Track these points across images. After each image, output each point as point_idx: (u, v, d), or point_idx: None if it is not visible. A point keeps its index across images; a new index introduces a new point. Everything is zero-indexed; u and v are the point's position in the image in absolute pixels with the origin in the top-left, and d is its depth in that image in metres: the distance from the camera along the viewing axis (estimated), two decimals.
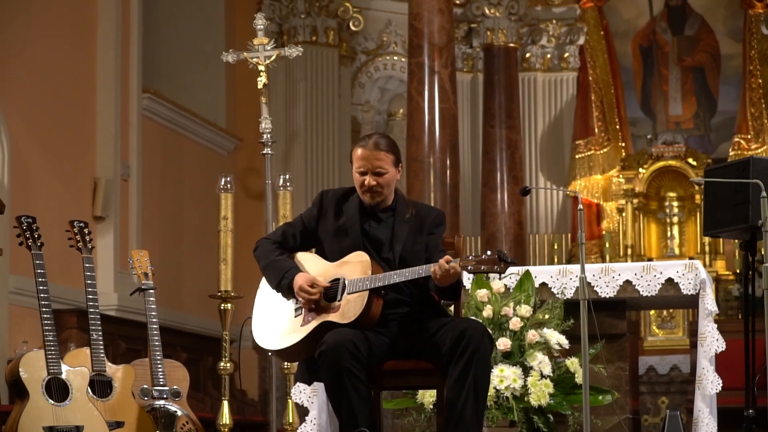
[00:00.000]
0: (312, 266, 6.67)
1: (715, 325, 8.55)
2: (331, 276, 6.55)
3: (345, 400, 6.34)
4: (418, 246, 6.63)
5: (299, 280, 6.52)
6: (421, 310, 6.60)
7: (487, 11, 16.57)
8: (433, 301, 6.63)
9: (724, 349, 8.50)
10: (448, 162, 14.50)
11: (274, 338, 6.62)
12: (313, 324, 6.47)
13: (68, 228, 7.67)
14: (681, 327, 15.10)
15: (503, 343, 7.89)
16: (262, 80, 10.57)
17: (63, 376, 7.02)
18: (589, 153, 16.34)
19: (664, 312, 15.04)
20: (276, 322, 6.63)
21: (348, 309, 6.42)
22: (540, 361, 7.94)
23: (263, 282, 6.75)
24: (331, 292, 6.50)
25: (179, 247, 14.37)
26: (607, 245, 15.99)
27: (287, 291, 6.59)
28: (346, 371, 6.27)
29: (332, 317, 6.44)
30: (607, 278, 8.82)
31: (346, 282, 6.46)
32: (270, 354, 7.42)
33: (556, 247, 16.37)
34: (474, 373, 6.34)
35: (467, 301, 8.06)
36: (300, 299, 6.52)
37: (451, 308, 7.08)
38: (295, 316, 6.56)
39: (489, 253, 6.22)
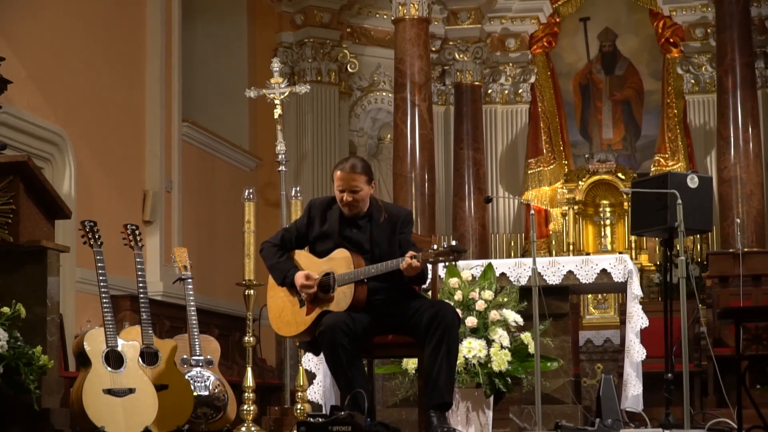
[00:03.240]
0: (305, 262, 6.69)
1: (640, 306, 8.57)
2: (322, 270, 6.57)
3: (341, 369, 6.35)
4: (392, 246, 6.62)
5: (299, 279, 6.54)
6: (397, 294, 6.60)
7: (457, 56, 16.56)
8: (407, 286, 6.63)
9: (647, 326, 8.53)
10: (426, 177, 14.49)
11: (288, 327, 6.65)
12: (315, 313, 6.49)
13: (123, 230, 7.66)
14: (612, 307, 15.07)
15: (471, 321, 7.88)
16: (277, 111, 10.58)
17: (119, 349, 7.01)
18: (538, 169, 16.32)
19: (599, 296, 15.02)
20: (287, 314, 6.63)
21: (340, 299, 6.45)
22: (500, 335, 7.93)
23: (270, 279, 6.76)
24: (325, 284, 6.51)
25: (212, 245, 14.35)
26: (554, 243, 15.98)
27: (290, 286, 6.60)
28: (341, 346, 6.29)
29: (329, 307, 6.46)
30: (553, 269, 8.82)
31: (336, 276, 6.48)
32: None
33: (512, 244, 16.35)
34: (446, 345, 6.34)
35: (442, 287, 8.05)
36: (303, 294, 6.53)
37: (429, 293, 7.09)
38: (300, 307, 6.57)
39: (445, 245, 6.25)
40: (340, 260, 6.51)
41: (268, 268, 6.75)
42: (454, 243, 6.26)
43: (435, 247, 6.29)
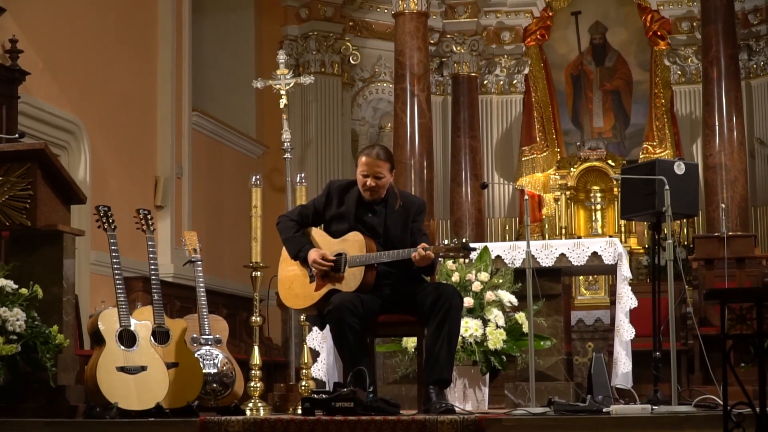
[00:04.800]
0: (320, 240, 6.70)
1: (629, 288, 8.56)
2: (335, 250, 6.58)
3: (347, 347, 6.35)
4: (404, 233, 6.64)
5: (313, 254, 6.55)
6: (404, 278, 6.61)
7: (454, 48, 16.54)
8: (414, 272, 6.63)
9: (636, 306, 8.51)
10: (424, 164, 14.48)
11: (296, 300, 6.67)
12: (324, 290, 6.50)
13: (135, 214, 7.63)
14: (603, 288, 15.08)
15: (467, 302, 7.87)
16: (283, 101, 10.53)
17: (132, 328, 6.99)
18: (532, 156, 16.31)
19: (590, 277, 15.02)
20: (296, 287, 6.65)
21: (350, 280, 6.45)
22: (496, 315, 7.92)
23: (284, 252, 6.78)
24: (336, 264, 6.52)
25: (220, 228, 14.33)
26: (547, 226, 15.97)
27: (303, 261, 6.61)
28: (348, 325, 6.29)
29: (338, 286, 6.46)
30: (546, 252, 8.81)
31: (348, 258, 6.48)
32: (293, 311, 7.43)
33: (507, 228, 16.35)
34: (448, 325, 6.35)
35: (440, 268, 8.04)
36: (314, 270, 6.54)
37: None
38: (310, 282, 6.58)
39: (456, 241, 6.28)
40: (354, 243, 6.53)
41: (283, 241, 6.77)
42: (464, 240, 6.29)
43: (446, 242, 6.34)
